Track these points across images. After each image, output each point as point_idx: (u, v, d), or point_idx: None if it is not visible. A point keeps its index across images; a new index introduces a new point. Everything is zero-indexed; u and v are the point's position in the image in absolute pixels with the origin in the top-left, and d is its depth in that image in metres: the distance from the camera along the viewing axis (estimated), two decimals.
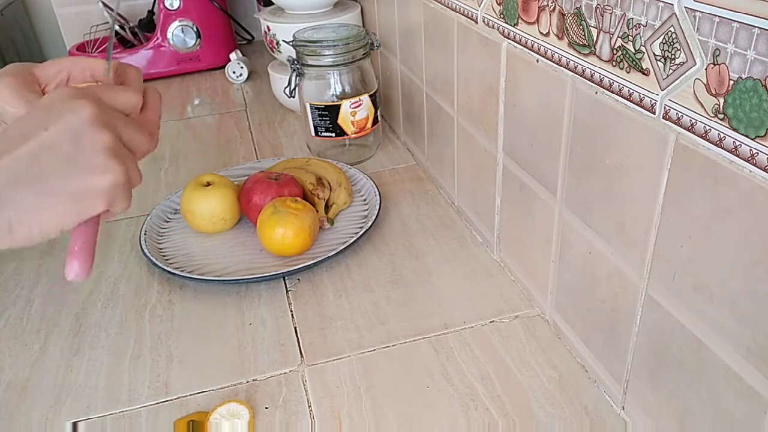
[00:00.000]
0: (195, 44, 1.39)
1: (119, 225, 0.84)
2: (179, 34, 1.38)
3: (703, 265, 0.38)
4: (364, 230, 0.75)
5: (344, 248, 0.72)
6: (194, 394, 0.57)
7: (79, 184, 0.37)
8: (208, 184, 0.78)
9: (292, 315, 0.66)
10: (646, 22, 0.39)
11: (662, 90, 0.39)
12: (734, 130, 0.34)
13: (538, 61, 0.53)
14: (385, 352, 0.60)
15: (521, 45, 0.56)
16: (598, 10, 0.44)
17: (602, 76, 0.45)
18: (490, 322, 0.63)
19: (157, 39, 1.38)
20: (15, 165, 0.35)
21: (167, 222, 0.83)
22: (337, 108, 0.91)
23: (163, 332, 0.65)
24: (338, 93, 0.92)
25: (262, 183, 0.78)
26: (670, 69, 0.38)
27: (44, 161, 0.36)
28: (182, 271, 0.71)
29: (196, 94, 1.34)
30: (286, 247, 0.72)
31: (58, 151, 0.36)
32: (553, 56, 0.51)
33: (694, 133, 0.37)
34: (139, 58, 1.38)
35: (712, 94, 0.35)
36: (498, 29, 0.60)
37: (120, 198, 0.39)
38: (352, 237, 0.74)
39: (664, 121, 0.40)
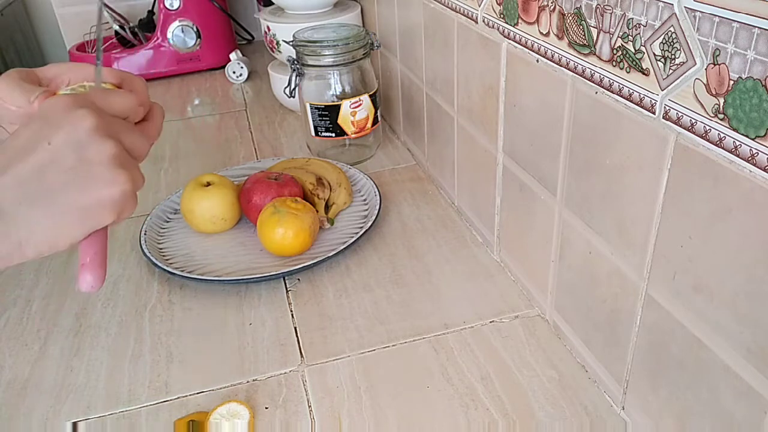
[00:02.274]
0: (195, 44, 1.39)
1: (119, 225, 0.84)
2: (179, 34, 1.38)
3: (703, 265, 0.38)
4: (364, 230, 0.75)
5: (344, 248, 0.72)
6: (194, 394, 0.57)
7: (88, 197, 0.36)
8: (208, 184, 0.78)
9: (292, 315, 0.66)
10: (646, 22, 0.39)
11: (662, 90, 0.39)
12: (734, 130, 0.34)
13: (538, 61, 0.53)
14: (385, 352, 0.60)
15: (521, 45, 0.56)
16: (598, 10, 0.44)
17: (602, 76, 0.45)
18: (490, 322, 0.63)
19: (157, 39, 1.38)
20: (20, 183, 0.34)
21: (167, 222, 0.83)
22: (337, 108, 0.91)
23: (163, 332, 0.65)
24: (338, 93, 0.92)
25: (262, 183, 0.78)
26: (670, 69, 0.38)
27: (50, 177, 0.35)
28: (182, 271, 0.71)
29: (196, 94, 1.34)
30: (286, 247, 0.72)
31: (63, 166, 0.35)
32: (553, 56, 0.51)
33: (694, 133, 0.37)
34: (139, 58, 1.38)
35: (712, 94, 0.35)
36: (498, 29, 0.60)
37: (128, 206, 0.38)
38: (352, 237, 0.74)
39: (664, 121, 0.40)
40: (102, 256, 0.39)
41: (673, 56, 0.38)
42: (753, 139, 0.33)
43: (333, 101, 0.91)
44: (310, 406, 0.55)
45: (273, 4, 1.13)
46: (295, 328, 0.64)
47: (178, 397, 0.57)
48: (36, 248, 0.36)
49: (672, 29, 0.37)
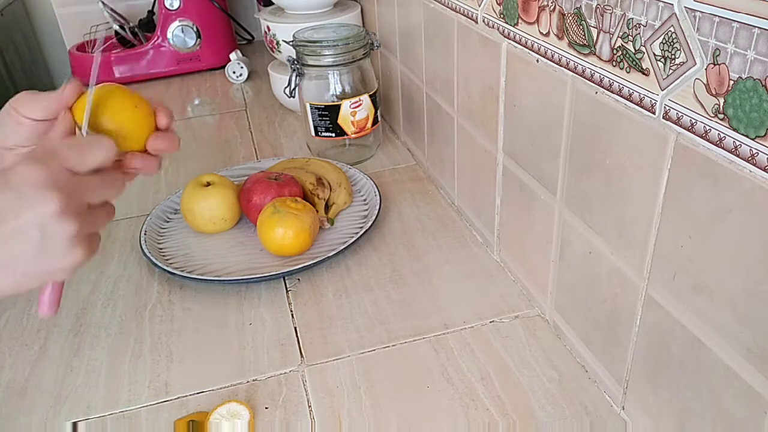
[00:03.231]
0: (195, 44, 1.39)
1: (119, 225, 0.84)
2: (179, 34, 1.38)
3: (703, 265, 0.38)
4: (364, 230, 0.75)
5: (344, 248, 0.72)
6: (194, 394, 0.57)
7: (46, 266, 0.42)
8: (208, 184, 0.78)
9: (292, 315, 0.66)
10: (646, 22, 0.39)
11: (662, 90, 0.39)
12: (734, 130, 0.34)
13: (538, 61, 0.53)
14: (385, 352, 0.60)
15: (521, 45, 0.56)
16: (598, 10, 0.44)
17: (602, 76, 0.45)
18: (490, 322, 0.63)
19: (157, 39, 1.38)
20: None
21: (167, 222, 0.83)
22: (337, 108, 0.91)
23: (163, 332, 0.65)
24: (338, 93, 0.92)
25: (262, 183, 0.78)
26: (670, 69, 0.38)
27: (15, 247, 0.40)
28: (182, 271, 0.71)
29: (196, 94, 1.34)
30: (286, 247, 0.72)
31: (29, 240, 0.40)
32: (553, 56, 0.51)
33: (694, 133, 0.37)
34: (139, 58, 1.38)
35: (712, 94, 0.35)
36: (498, 29, 0.60)
37: (81, 266, 0.44)
38: (352, 237, 0.74)
39: (664, 121, 0.40)
40: (58, 292, 0.46)
41: (673, 56, 0.38)
42: (753, 139, 0.33)
43: (333, 101, 0.91)
44: (310, 406, 0.55)
45: (273, 4, 1.13)
46: (295, 328, 0.64)
47: (178, 397, 0.57)
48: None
49: (672, 29, 0.37)
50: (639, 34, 0.40)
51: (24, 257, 0.40)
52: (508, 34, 0.58)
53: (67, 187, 0.41)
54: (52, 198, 0.40)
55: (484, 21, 0.63)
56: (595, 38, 0.45)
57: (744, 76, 0.33)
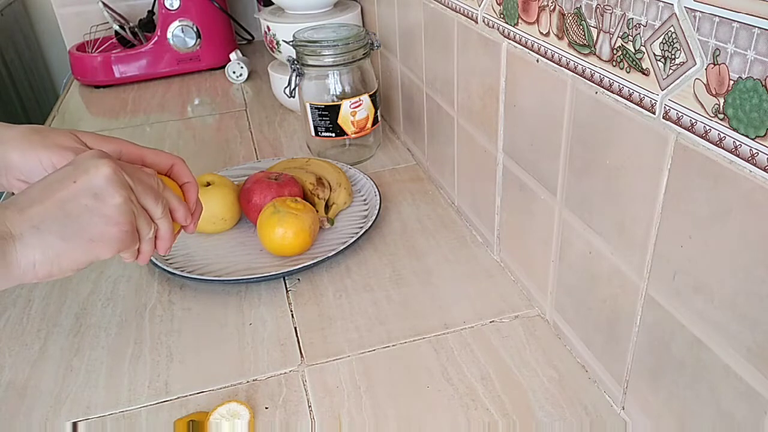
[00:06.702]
0: (195, 44, 1.39)
1: None
2: (179, 34, 1.38)
3: (703, 265, 0.38)
4: (364, 230, 0.75)
5: (344, 248, 0.72)
6: (194, 394, 0.57)
7: (95, 231, 0.44)
8: (208, 184, 0.78)
9: (292, 315, 0.66)
10: (646, 22, 0.39)
11: (662, 90, 0.39)
12: (734, 130, 0.34)
13: (538, 61, 0.54)
14: (385, 352, 0.60)
15: (521, 45, 0.56)
16: (598, 10, 0.44)
17: (602, 76, 0.45)
18: (490, 322, 0.63)
19: (157, 39, 1.38)
20: (45, 212, 0.42)
21: None
22: (337, 108, 0.91)
23: (163, 332, 0.65)
24: (338, 93, 0.92)
25: (262, 183, 0.78)
26: (670, 69, 0.38)
27: (69, 210, 0.43)
28: (182, 271, 0.71)
29: (196, 94, 1.34)
30: (286, 247, 0.72)
31: (81, 202, 0.43)
32: (553, 56, 0.51)
33: (694, 133, 0.37)
34: (139, 58, 1.38)
35: (712, 94, 0.35)
36: (498, 29, 0.60)
37: (125, 245, 0.46)
38: (352, 237, 0.74)
39: (664, 121, 0.40)
40: None
41: (673, 56, 0.38)
42: (753, 139, 0.33)
43: (333, 101, 0.91)
44: (310, 406, 0.55)
45: (273, 4, 1.13)
46: (295, 328, 0.64)
47: (178, 397, 0.57)
48: (47, 270, 0.43)
49: (672, 29, 0.37)
50: (639, 34, 0.40)
51: (74, 218, 0.43)
52: (508, 34, 0.58)
53: (120, 165, 0.45)
54: (105, 163, 0.44)
55: (484, 21, 0.63)
56: (595, 38, 0.45)
57: (744, 76, 0.33)
